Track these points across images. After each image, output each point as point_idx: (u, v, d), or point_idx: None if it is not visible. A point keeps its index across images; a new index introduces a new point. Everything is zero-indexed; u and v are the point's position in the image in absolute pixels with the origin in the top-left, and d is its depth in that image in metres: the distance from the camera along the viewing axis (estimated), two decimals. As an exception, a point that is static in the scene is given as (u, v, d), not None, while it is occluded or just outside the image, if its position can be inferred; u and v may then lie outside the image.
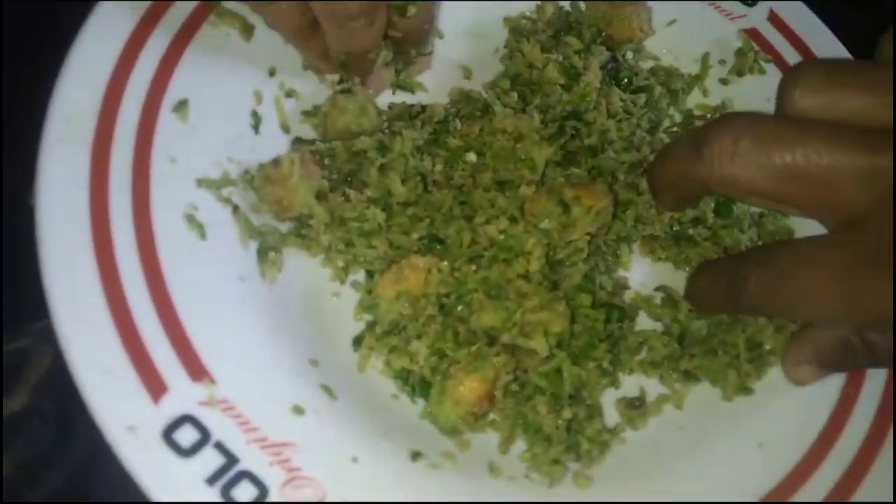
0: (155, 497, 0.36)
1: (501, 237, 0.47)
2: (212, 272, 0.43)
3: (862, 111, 0.39)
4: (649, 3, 0.59)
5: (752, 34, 0.60)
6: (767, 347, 0.49)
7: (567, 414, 0.44)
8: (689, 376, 0.50)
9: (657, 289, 0.52)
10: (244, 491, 0.38)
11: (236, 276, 0.44)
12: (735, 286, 0.44)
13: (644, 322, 0.52)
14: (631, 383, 0.50)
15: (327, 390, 0.43)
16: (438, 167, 0.51)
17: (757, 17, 0.61)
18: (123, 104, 0.45)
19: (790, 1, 0.62)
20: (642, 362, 0.50)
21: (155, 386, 0.39)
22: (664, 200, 0.49)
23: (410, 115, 0.54)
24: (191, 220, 0.44)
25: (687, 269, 0.54)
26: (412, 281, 0.45)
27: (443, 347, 0.45)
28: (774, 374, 0.50)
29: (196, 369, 0.40)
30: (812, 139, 0.39)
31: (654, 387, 0.50)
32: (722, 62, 0.61)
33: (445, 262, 0.46)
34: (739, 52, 0.60)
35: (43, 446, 0.45)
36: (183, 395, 0.39)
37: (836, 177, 0.38)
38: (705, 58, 0.60)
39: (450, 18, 0.58)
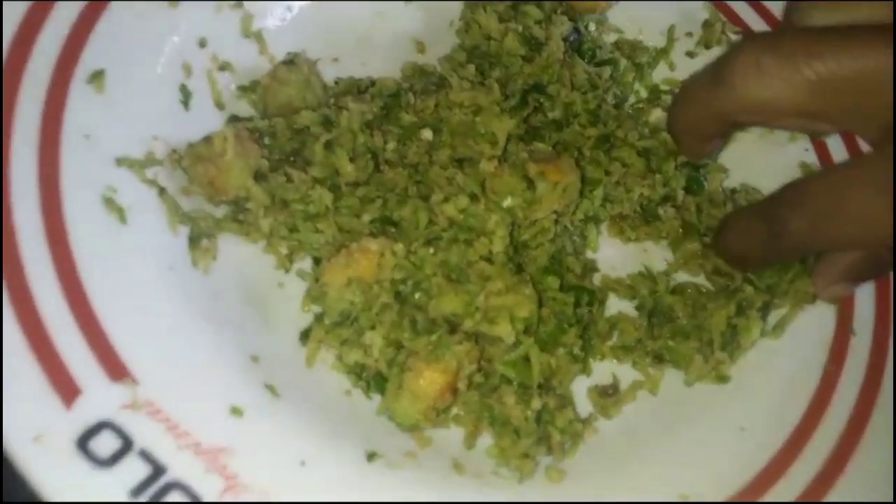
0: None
1: (461, 216, 0.43)
2: (133, 260, 0.38)
3: (865, 19, 0.38)
4: (613, -27, 0.56)
5: (719, 6, 0.58)
6: (743, 329, 0.46)
7: (536, 404, 0.40)
8: (657, 358, 0.47)
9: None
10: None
11: (163, 264, 0.39)
12: (775, 232, 0.41)
13: (614, 306, 0.49)
14: (602, 370, 0.47)
15: (270, 389, 0.38)
16: (391, 145, 0.47)
17: (725, -12, 0.58)
18: (28, 71, 0.40)
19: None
20: (614, 347, 0.47)
21: (66, 388, 0.33)
22: (687, 145, 0.47)
23: (359, 89, 0.50)
24: (108, 202, 0.39)
25: (659, 242, 0.51)
26: (363, 266, 0.41)
27: (399, 337, 0.40)
28: (752, 355, 0.47)
29: (115, 368, 0.35)
30: (838, 43, 0.36)
31: (627, 373, 0.47)
32: (689, 34, 0.58)
33: (400, 245, 0.41)
34: (706, 24, 0.57)
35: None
36: (100, 397, 0.34)
37: (870, 78, 0.36)
38: (671, 30, 0.58)
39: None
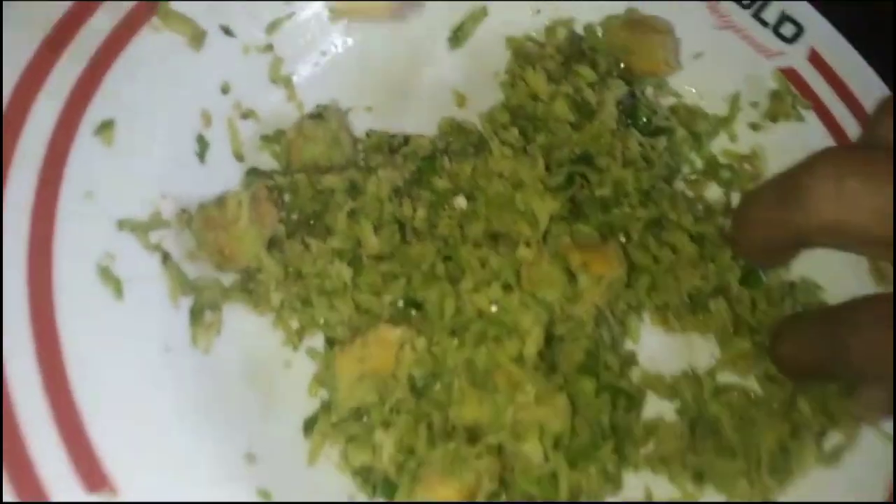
0: None
1: (493, 309, 0.38)
2: (126, 343, 0.34)
3: None
4: (677, 32, 0.51)
5: (790, 75, 0.52)
6: (796, 454, 0.41)
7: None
8: (697, 475, 0.42)
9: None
10: None
11: (159, 346, 0.35)
12: (837, 351, 0.37)
13: (652, 406, 0.44)
14: (635, 482, 0.42)
15: (264, 495, 0.34)
16: (420, 213, 0.43)
17: (796, 56, 0.53)
18: (30, 119, 0.36)
19: (834, 39, 0.54)
20: (650, 457, 0.42)
21: (31, 493, 0.30)
22: (753, 257, 0.43)
23: (391, 147, 0.46)
24: (105, 273, 0.35)
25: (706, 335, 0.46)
26: (379, 358, 0.37)
27: (413, 444, 0.36)
28: (802, 483, 0.42)
29: (92, 475, 0.31)
30: None
31: (661, 487, 0.42)
32: (753, 104, 0.53)
33: (422, 339, 0.37)
34: (775, 95, 0.52)
35: None
36: (72, 508, 0.30)
37: None
38: (735, 98, 0.52)
39: (442, 32, 0.50)
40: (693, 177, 0.52)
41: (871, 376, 0.40)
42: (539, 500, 0.37)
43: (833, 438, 0.43)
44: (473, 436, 0.36)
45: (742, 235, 0.42)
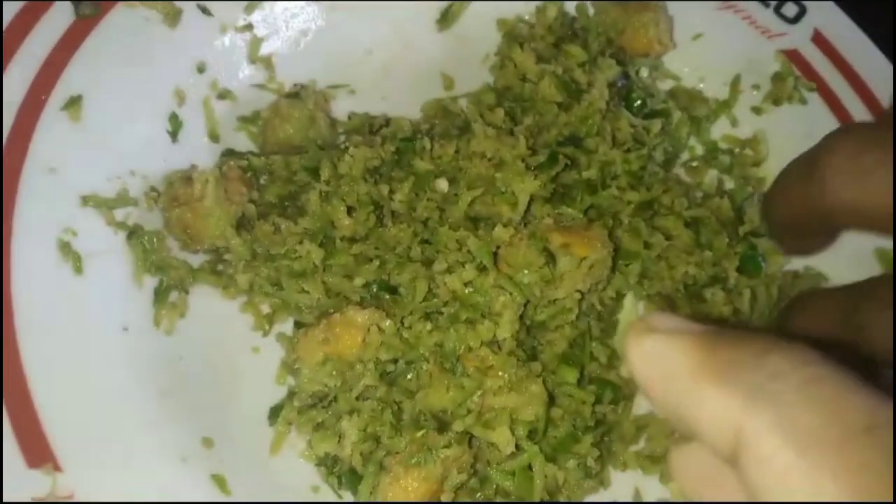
0: None
1: (466, 291, 0.36)
2: (83, 318, 0.33)
3: None
4: (671, 12, 0.49)
5: (793, 56, 0.50)
6: None
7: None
8: None
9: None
10: None
11: (117, 324, 0.34)
12: (854, 328, 0.35)
13: (644, 404, 0.42)
14: (624, 481, 0.40)
15: (219, 482, 0.33)
16: (399, 195, 0.41)
17: (799, 37, 0.50)
18: (-5, 93, 0.36)
19: (838, 18, 0.51)
20: (639, 455, 0.40)
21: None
22: (787, 243, 0.41)
23: (371, 128, 0.44)
24: (64, 247, 0.34)
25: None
26: (345, 342, 0.35)
27: (378, 432, 0.34)
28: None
29: (36, 451, 0.30)
30: None
31: (652, 486, 0.40)
32: (755, 87, 0.50)
33: (389, 322, 0.35)
34: (777, 77, 0.50)
35: None
36: (11, 485, 0.29)
37: None
38: (736, 81, 0.50)
39: (430, 13, 0.49)
40: (693, 164, 0.50)
41: (884, 356, 0.38)
42: (515, 500, 0.35)
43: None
44: (443, 424, 0.35)
45: (771, 218, 0.39)
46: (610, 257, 0.38)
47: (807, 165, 0.34)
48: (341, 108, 0.46)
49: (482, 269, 0.37)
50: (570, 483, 0.36)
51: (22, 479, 0.29)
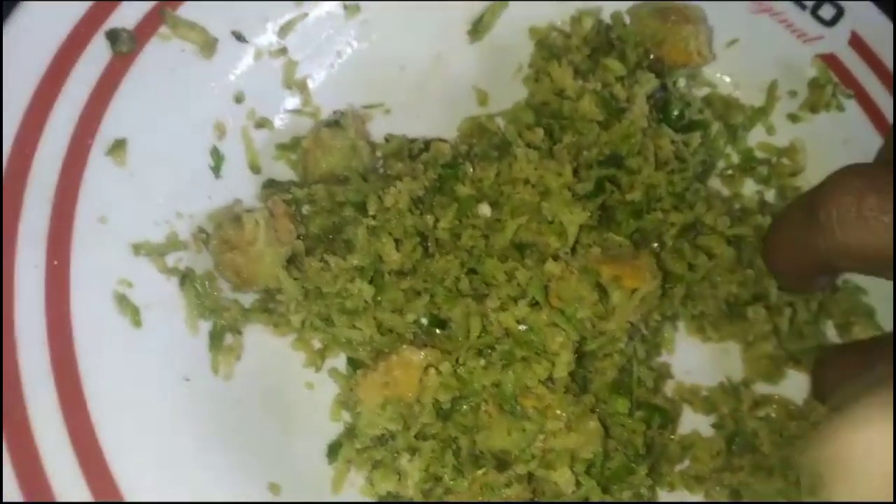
0: None
1: (520, 328, 0.37)
2: (146, 373, 0.34)
3: None
4: (710, 18, 0.48)
5: (830, 61, 0.49)
6: None
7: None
8: (734, 494, 0.41)
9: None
10: None
11: (178, 375, 0.35)
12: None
13: (687, 421, 0.43)
14: (670, 499, 0.41)
15: (289, 527, 0.34)
16: (443, 223, 0.41)
17: (836, 40, 0.49)
18: (41, 145, 0.35)
19: (875, 19, 0.50)
20: (685, 475, 0.41)
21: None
22: (787, 283, 0.41)
23: (410, 153, 0.44)
24: (122, 300, 0.34)
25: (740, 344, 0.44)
26: (403, 384, 0.35)
27: (439, 472, 0.35)
28: None
29: (112, 508, 0.30)
30: None
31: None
32: (792, 94, 0.50)
33: (447, 364, 0.36)
34: (814, 84, 0.49)
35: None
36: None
37: None
38: (772, 87, 0.50)
39: (461, 25, 0.48)
40: (728, 172, 0.50)
41: None
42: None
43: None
44: (502, 463, 0.35)
45: (772, 260, 0.40)
46: (659, 288, 0.39)
47: (806, 210, 0.34)
48: (376, 127, 0.46)
49: (534, 304, 0.37)
50: (626, 512, 0.37)
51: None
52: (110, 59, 0.38)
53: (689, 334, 0.45)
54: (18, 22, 0.36)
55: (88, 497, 0.31)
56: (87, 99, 0.37)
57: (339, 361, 0.40)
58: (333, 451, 0.37)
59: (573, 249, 0.40)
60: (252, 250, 0.37)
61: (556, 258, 0.38)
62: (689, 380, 0.44)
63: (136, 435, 0.32)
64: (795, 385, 0.44)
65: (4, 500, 0.29)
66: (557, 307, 0.37)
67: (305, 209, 0.42)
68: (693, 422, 0.42)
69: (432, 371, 0.36)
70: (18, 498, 0.30)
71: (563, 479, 0.34)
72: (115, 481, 0.31)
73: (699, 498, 0.41)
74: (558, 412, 0.35)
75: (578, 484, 0.35)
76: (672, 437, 0.41)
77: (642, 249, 0.40)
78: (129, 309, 0.34)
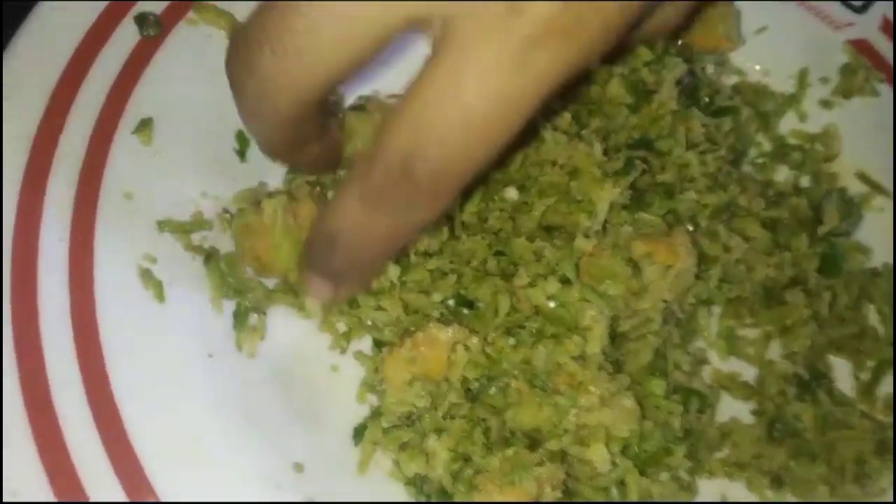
0: None
1: (551, 305, 0.36)
2: (169, 347, 0.33)
3: None
4: (738, 5, 0.48)
5: (862, 47, 0.49)
6: (874, 472, 0.38)
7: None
8: (776, 480, 0.39)
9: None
10: None
11: (202, 351, 0.34)
12: None
13: (726, 407, 0.41)
14: (710, 488, 0.39)
15: (314, 507, 0.33)
16: (470, 206, 0.40)
17: (867, 26, 0.49)
18: (69, 123, 0.35)
19: (908, 5, 0.50)
20: (725, 462, 0.39)
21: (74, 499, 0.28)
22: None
23: (436, 138, 0.44)
24: (146, 275, 0.34)
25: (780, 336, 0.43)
26: (430, 361, 0.34)
27: (468, 451, 0.34)
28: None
29: (135, 483, 0.29)
30: None
31: (739, 491, 0.39)
32: (823, 80, 0.49)
33: (475, 340, 0.35)
34: (846, 69, 0.48)
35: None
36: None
37: None
38: (803, 74, 0.49)
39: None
40: (761, 160, 0.49)
41: None
42: (607, 506, 0.35)
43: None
44: (533, 441, 0.34)
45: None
46: (695, 264, 0.37)
47: None
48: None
49: (565, 281, 0.36)
50: (665, 495, 0.35)
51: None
52: (138, 42, 0.38)
53: (725, 320, 0.43)
54: (50, 4, 0.36)
55: (111, 471, 0.30)
56: (114, 79, 0.37)
57: (365, 344, 0.39)
58: (359, 432, 0.36)
59: (604, 229, 0.39)
60: (271, 236, 0.36)
61: (586, 236, 0.37)
62: (727, 367, 0.42)
63: (158, 410, 0.31)
64: (837, 372, 0.42)
65: (26, 469, 0.28)
66: (589, 284, 0.36)
67: (330, 195, 0.41)
68: (731, 408, 0.41)
69: (460, 348, 0.35)
70: (40, 471, 0.29)
71: (598, 455, 0.33)
72: (137, 457, 0.30)
73: (740, 485, 0.39)
74: (591, 389, 0.34)
75: (614, 464, 0.34)
76: (711, 424, 0.40)
77: (676, 229, 0.39)
78: (152, 283, 0.34)
